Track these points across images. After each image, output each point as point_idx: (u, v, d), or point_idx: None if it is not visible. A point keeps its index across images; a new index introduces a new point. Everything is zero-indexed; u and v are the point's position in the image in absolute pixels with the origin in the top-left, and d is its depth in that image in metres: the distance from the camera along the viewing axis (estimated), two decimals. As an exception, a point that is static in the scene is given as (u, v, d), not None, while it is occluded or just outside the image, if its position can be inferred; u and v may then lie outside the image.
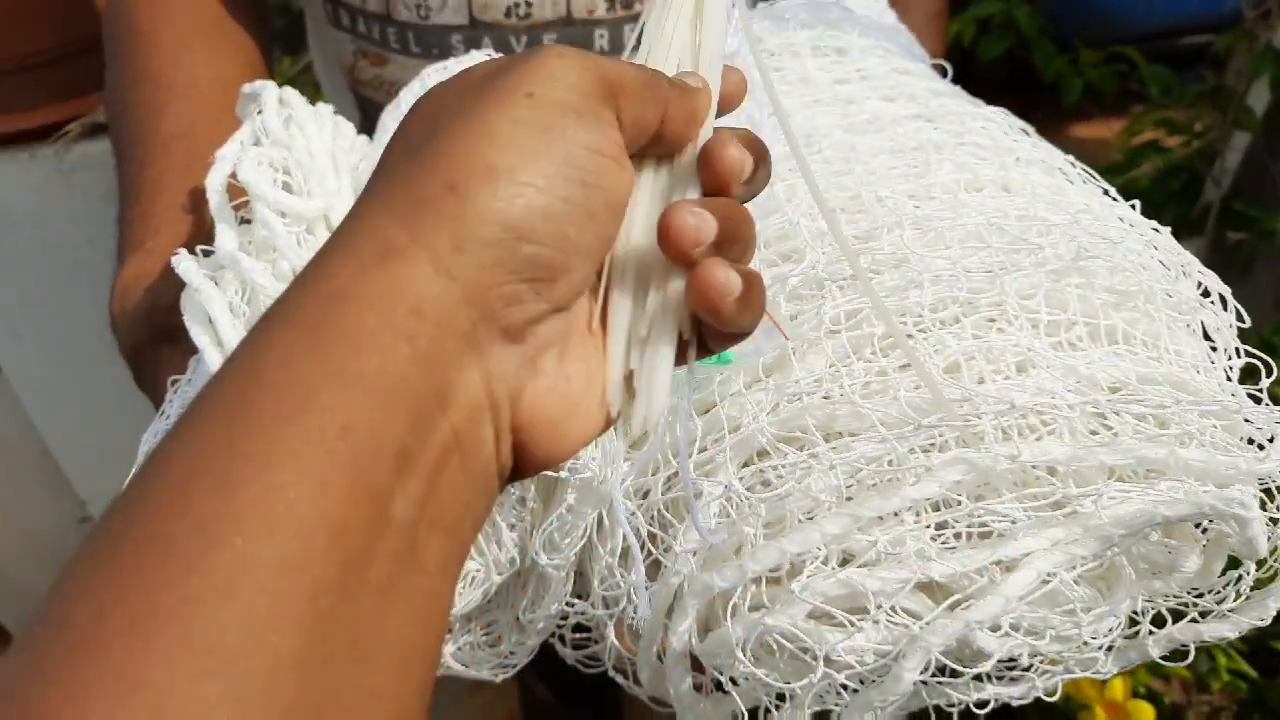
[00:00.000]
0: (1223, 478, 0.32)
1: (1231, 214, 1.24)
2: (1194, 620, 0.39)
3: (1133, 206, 0.39)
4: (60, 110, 1.02)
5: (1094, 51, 1.32)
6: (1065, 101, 1.31)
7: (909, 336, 0.33)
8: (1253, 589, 0.37)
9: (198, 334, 0.41)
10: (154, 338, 0.54)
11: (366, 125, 0.81)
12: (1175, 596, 0.38)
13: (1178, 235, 1.38)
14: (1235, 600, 0.37)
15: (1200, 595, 0.38)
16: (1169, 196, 1.29)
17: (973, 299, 0.33)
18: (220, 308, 0.41)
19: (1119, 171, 1.35)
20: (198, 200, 0.63)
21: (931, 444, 0.33)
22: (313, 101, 0.59)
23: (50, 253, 1.09)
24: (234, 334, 0.41)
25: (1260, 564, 0.36)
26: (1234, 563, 0.37)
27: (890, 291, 0.34)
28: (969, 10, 1.33)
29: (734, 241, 0.28)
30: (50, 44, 1.01)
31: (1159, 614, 0.39)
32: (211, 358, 0.40)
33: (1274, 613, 0.38)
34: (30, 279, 1.11)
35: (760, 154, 0.29)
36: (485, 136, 0.25)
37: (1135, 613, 0.38)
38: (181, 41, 0.70)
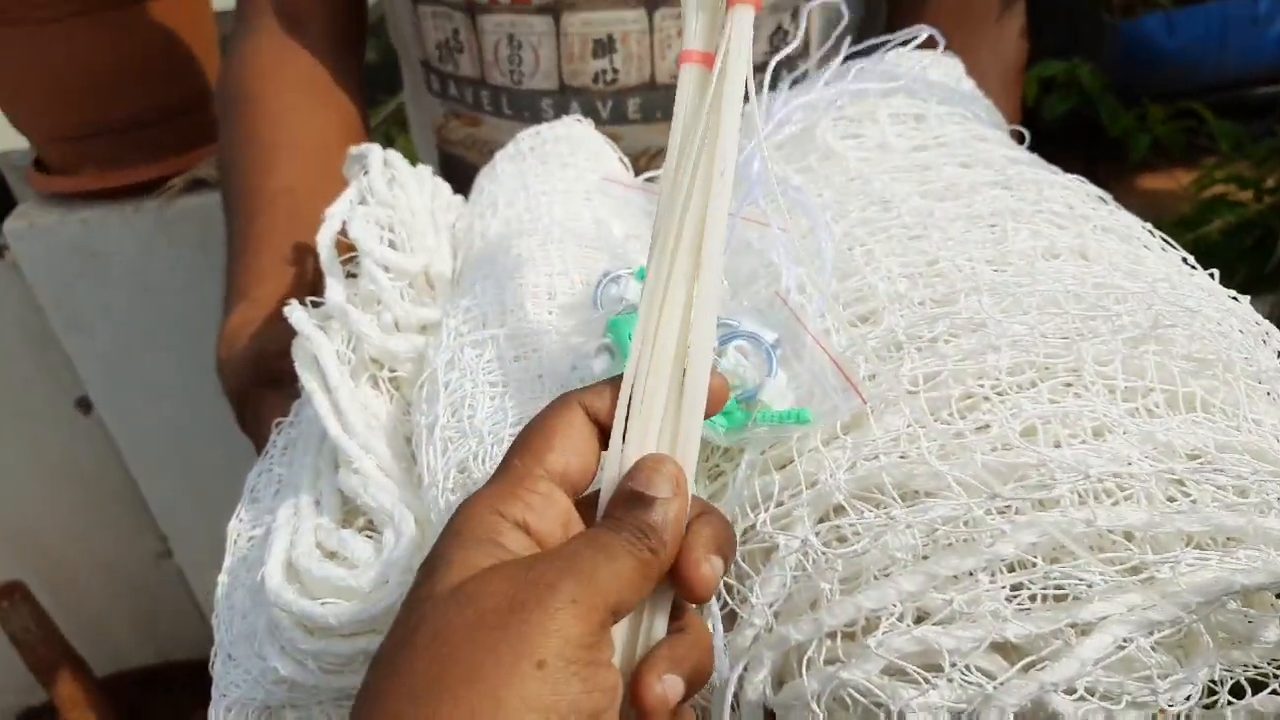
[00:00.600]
0: (1305, 549, 0.32)
1: None
2: (1275, 692, 0.38)
3: (1211, 275, 0.39)
4: (163, 166, 1.09)
5: (1161, 107, 1.30)
6: (1133, 157, 1.29)
7: (985, 399, 0.34)
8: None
9: (307, 378, 0.43)
10: (259, 381, 0.57)
11: (449, 179, 0.85)
12: (1255, 666, 0.37)
13: (1250, 292, 1.36)
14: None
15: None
16: (1241, 253, 1.27)
17: (1049, 364, 0.34)
18: (329, 355, 0.43)
19: (1190, 226, 1.33)
20: (300, 253, 0.66)
21: (1008, 505, 0.33)
22: (405, 151, 0.62)
23: (148, 297, 1.15)
24: (340, 379, 0.43)
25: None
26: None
27: (967, 355, 0.35)
28: (1032, 70, 1.33)
29: (696, 686, 0.30)
30: (156, 105, 1.08)
31: (1238, 684, 0.39)
32: (320, 401, 0.42)
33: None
34: (128, 322, 1.16)
35: (730, 547, 0.32)
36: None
37: (1213, 682, 0.38)
38: (288, 106, 0.74)
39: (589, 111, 0.74)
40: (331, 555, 0.38)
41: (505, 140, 0.77)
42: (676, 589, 0.31)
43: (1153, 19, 2.66)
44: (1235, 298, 0.41)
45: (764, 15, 0.72)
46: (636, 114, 0.74)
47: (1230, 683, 0.38)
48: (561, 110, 0.75)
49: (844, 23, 0.78)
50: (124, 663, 1.61)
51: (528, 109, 0.75)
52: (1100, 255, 0.38)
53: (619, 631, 0.30)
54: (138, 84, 1.05)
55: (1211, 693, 0.38)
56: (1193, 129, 1.31)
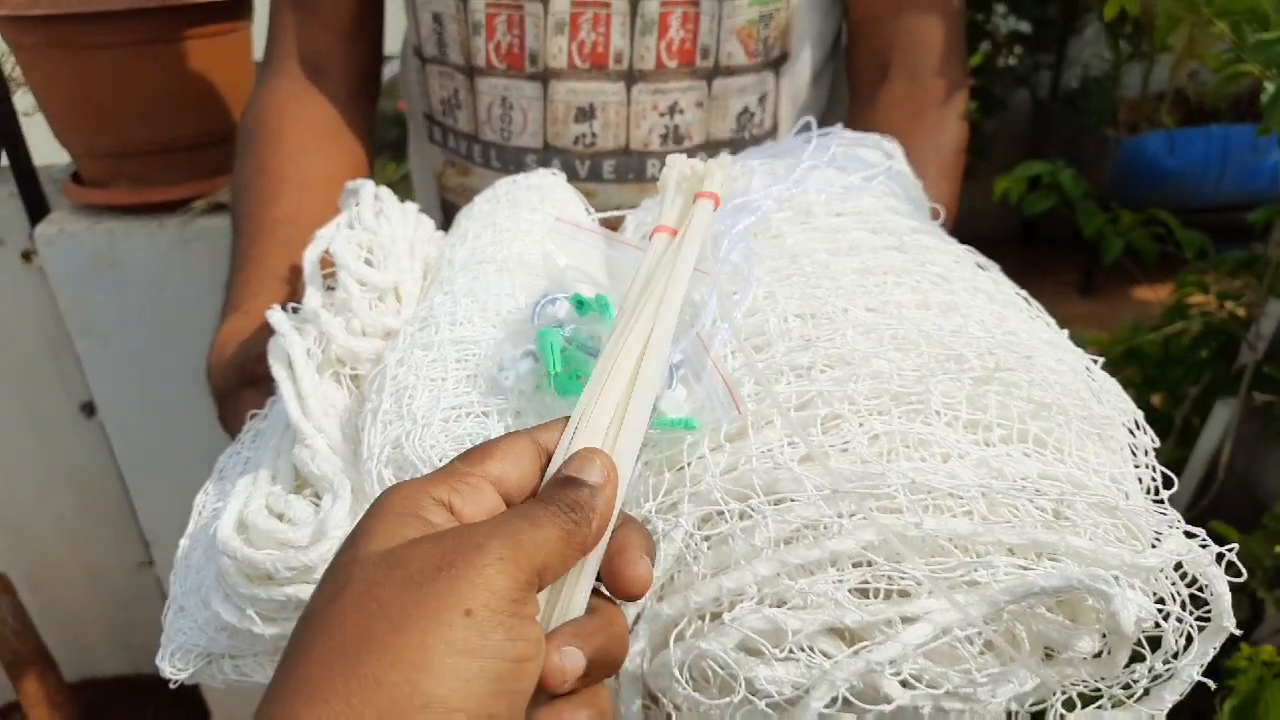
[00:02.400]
0: (1108, 566, 0.37)
1: (1263, 377, 1.25)
2: (1099, 708, 0.42)
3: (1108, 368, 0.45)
4: (189, 188, 1.16)
5: (1132, 214, 1.36)
6: (1105, 259, 1.34)
7: (846, 420, 0.39)
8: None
9: (277, 368, 0.48)
10: (242, 383, 0.62)
11: (446, 224, 0.91)
12: (1087, 684, 0.42)
13: (1214, 396, 1.40)
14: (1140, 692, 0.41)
15: (1110, 686, 0.42)
16: (1209, 358, 1.31)
17: (902, 394, 0.39)
18: (298, 350, 0.48)
19: (1160, 329, 1.38)
20: (294, 274, 0.71)
21: (856, 513, 0.38)
22: (402, 199, 0.67)
23: (162, 310, 1.20)
24: (305, 370, 0.48)
25: (1166, 662, 0.40)
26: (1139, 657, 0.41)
27: (834, 382, 0.40)
28: (1018, 169, 1.39)
29: (603, 667, 0.31)
30: (189, 133, 1.15)
31: (1070, 701, 0.43)
32: (285, 387, 0.47)
33: (1170, 705, 0.41)
34: (140, 331, 1.21)
35: (654, 556, 0.34)
36: (422, 667, 0.26)
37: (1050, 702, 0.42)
38: (300, 144, 0.80)
39: (568, 169, 0.80)
40: (279, 516, 0.42)
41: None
42: (611, 587, 0.32)
43: (1155, 137, 2.75)
44: (1090, 360, 0.46)
45: (731, 97, 0.79)
46: (611, 174, 0.80)
47: (1063, 697, 0.42)
48: (544, 166, 0.81)
49: (804, 102, 0.85)
50: (95, 669, 1.61)
51: (514, 163, 0.81)
52: (966, 311, 0.44)
53: (540, 601, 0.31)
54: (175, 112, 1.12)
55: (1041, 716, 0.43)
56: (1162, 236, 1.36)
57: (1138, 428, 0.44)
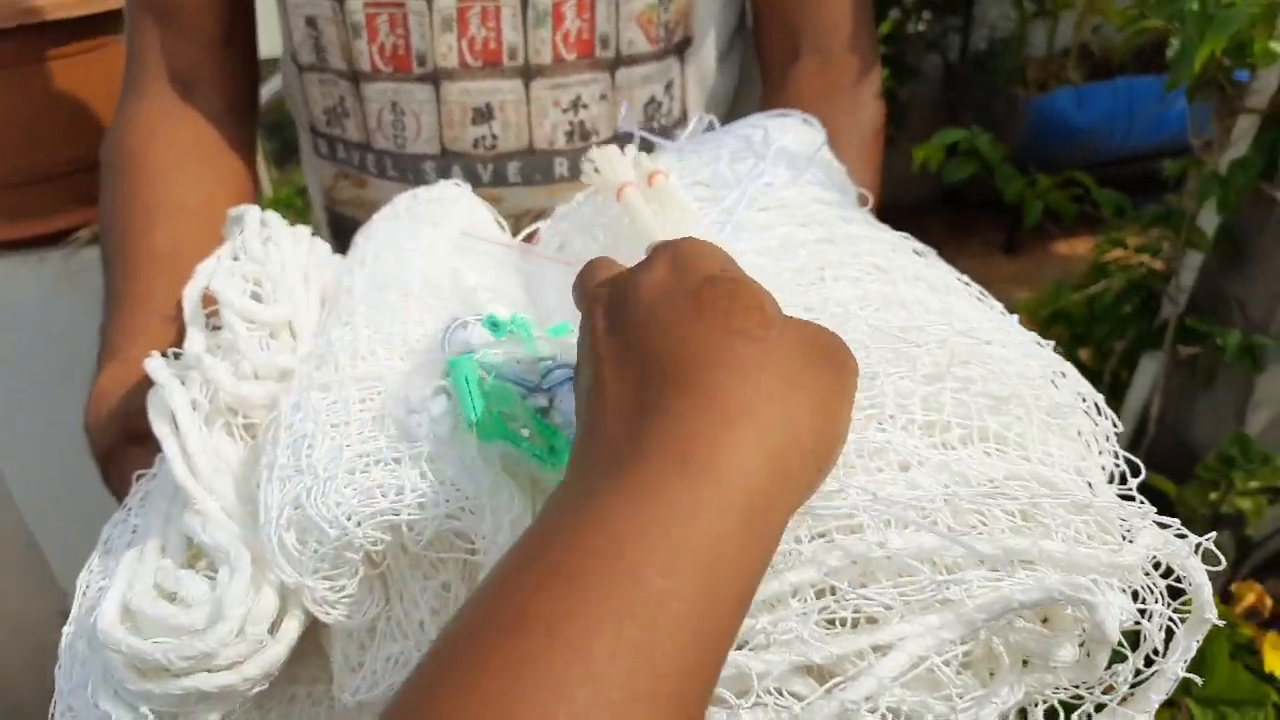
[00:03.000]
0: (1085, 569, 0.34)
1: (1186, 330, 1.27)
2: (1087, 714, 0.40)
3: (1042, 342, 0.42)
4: (69, 218, 1.09)
5: (1049, 176, 1.36)
6: (1026, 221, 1.35)
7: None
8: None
9: (158, 424, 0.43)
10: (125, 439, 0.56)
11: (338, 238, 0.85)
12: (1067, 690, 0.39)
13: (1139, 350, 1.40)
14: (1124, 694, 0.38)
15: (1092, 689, 0.39)
16: (1131, 313, 1.33)
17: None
18: (180, 401, 0.43)
19: (1083, 288, 1.39)
20: (177, 313, 0.65)
21: (820, 534, 0.35)
22: (299, 213, 0.62)
23: (51, 349, 1.12)
24: (190, 424, 0.42)
25: (1149, 660, 0.38)
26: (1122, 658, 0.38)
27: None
28: (935, 137, 1.38)
29: None
30: (64, 160, 1.08)
31: (1052, 707, 0.40)
32: (169, 446, 0.41)
33: (1156, 706, 0.38)
34: (30, 374, 1.14)
35: None
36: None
37: (1035, 705, 0.39)
38: (171, 164, 0.74)
39: (470, 174, 0.75)
40: (170, 597, 0.37)
41: (389, 199, 0.78)
42: None
43: (1063, 94, 2.78)
44: (1040, 342, 0.43)
45: (636, 87, 0.75)
46: (517, 177, 0.76)
47: (1044, 705, 0.39)
48: (444, 172, 0.76)
49: (713, 87, 0.81)
50: None
51: (411, 171, 0.76)
52: (909, 303, 0.41)
53: None
54: (47, 139, 1.05)
55: (1024, 714, 0.40)
56: (1080, 196, 1.37)
57: (1098, 412, 0.41)
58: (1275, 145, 1.14)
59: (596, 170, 0.53)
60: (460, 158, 0.75)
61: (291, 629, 0.36)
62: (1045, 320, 1.40)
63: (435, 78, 0.72)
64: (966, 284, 0.46)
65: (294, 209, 1.57)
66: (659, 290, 0.33)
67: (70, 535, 1.24)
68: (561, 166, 0.76)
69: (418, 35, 0.71)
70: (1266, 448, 1.15)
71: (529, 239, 0.60)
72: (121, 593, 0.37)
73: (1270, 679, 0.88)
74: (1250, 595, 1.05)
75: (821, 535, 0.34)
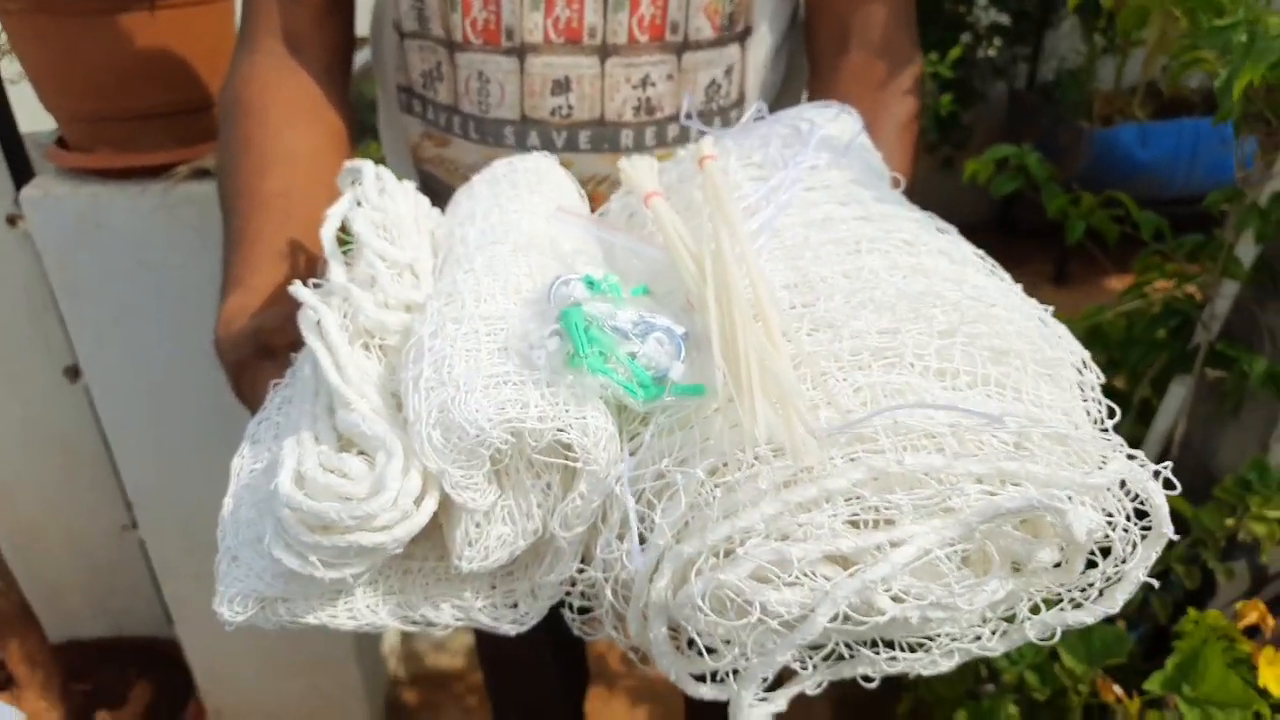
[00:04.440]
0: (1063, 488, 0.42)
1: (1217, 356, 1.27)
2: (1061, 610, 0.48)
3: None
4: (171, 154, 1.16)
5: (1092, 195, 1.36)
6: (1069, 239, 1.33)
7: (824, 374, 0.43)
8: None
9: (312, 339, 0.50)
10: (257, 355, 0.63)
11: (424, 193, 0.93)
12: (1051, 590, 0.47)
13: (1170, 374, 1.41)
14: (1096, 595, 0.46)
15: (1070, 590, 0.47)
16: (1165, 338, 1.33)
17: (880, 349, 0.44)
18: (331, 320, 0.51)
19: (1119, 308, 1.39)
20: (293, 248, 0.72)
21: (849, 455, 0.43)
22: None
23: (145, 273, 1.19)
24: (340, 340, 0.50)
25: (1116, 567, 0.45)
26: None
27: (820, 344, 0.44)
28: (987, 153, 1.39)
29: None
30: (171, 100, 1.16)
31: (1036, 606, 0.48)
32: (323, 356, 0.49)
33: (1120, 604, 0.47)
34: (125, 294, 1.21)
35: None
36: None
37: (1018, 605, 0.47)
38: (285, 119, 0.80)
39: (546, 140, 0.82)
40: (332, 471, 0.46)
41: (470, 159, 0.85)
42: None
43: (1127, 129, 2.77)
44: (1040, 306, 0.50)
45: (699, 70, 0.82)
46: (587, 145, 0.83)
47: (1030, 604, 0.47)
48: (521, 137, 0.83)
49: (767, 74, 0.88)
50: (77, 631, 1.62)
51: (492, 135, 0.83)
52: (931, 272, 0.48)
53: None
54: (158, 79, 1.12)
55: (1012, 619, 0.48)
56: (1122, 218, 1.35)
57: (1085, 366, 0.49)
58: (1317, 179, 1.14)
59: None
60: (537, 124, 0.82)
61: (430, 504, 0.45)
62: (1082, 338, 1.38)
63: (521, 51, 0.79)
64: (982, 258, 0.53)
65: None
66: None
67: (144, 453, 1.33)
68: (627, 138, 0.84)
69: (509, 12, 0.78)
70: (1289, 478, 1.14)
71: (598, 200, 0.67)
72: (293, 466, 0.46)
73: (1264, 694, 0.90)
74: (1253, 613, 1.07)
75: (850, 455, 0.42)
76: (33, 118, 1.20)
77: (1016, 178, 1.36)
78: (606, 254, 0.59)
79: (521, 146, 0.84)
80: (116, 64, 1.08)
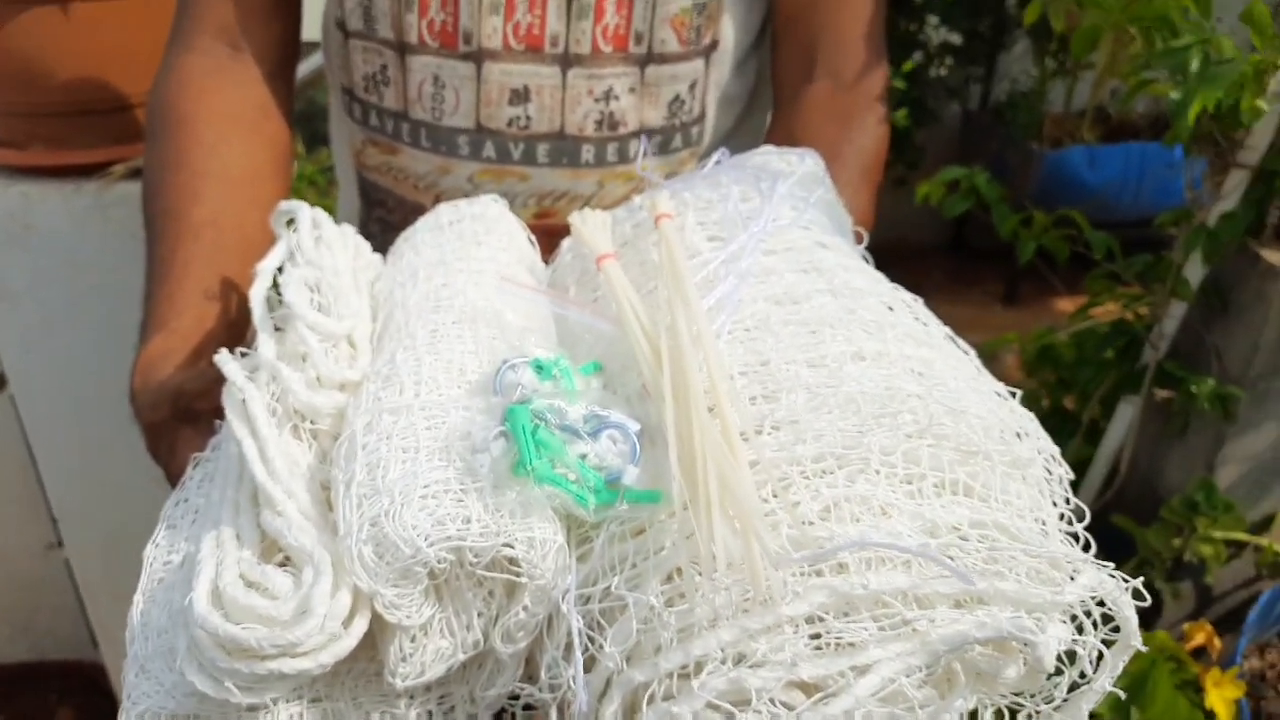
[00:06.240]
0: (1032, 606, 0.39)
1: (1164, 376, 1.27)
2: (1029, 716, 0.45)
3: (1012, 395, 0.46)
4: (107, 152, 1.10)
5: (1045, 214, 1.35)
6: (1021, 259, 1.34)
7: (794, 483, 0.40)
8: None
9: (237, 425, 0.46)
10: (176, 418, 0.58)
11: (366, 207, 0.87)
12: (1012, 696, 0.44)
13: (1119, 394, 1.42)
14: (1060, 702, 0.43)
15: (1033, 697, 0.44)
16: (1114, 358, 1.33)
17: (845, 454, 0.40)
18: (259, 405, 0.46)
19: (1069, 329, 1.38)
20: (224, 288, 0.67)
21: (811, 571, 0.39)
22: (322, 191, 0.64)
23: (77, 277, 1.13)
24: (268, 429, 0.46)
25: (1082, 675, 0.43)
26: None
27: (782, 446, 0.40)
28: (938, 175, 1.37)
29: None
30: (107, 96, 1.09)
31: (999, 710, 0.45)
32: (249, 448, 0.45)
33: (1085, 714, 0.44)
34: (54, 300, 1.14)
35: None
36: None
37: (981, 709, 0.44)
38: (220, 133, 0.74)
39: (502, 151, 0.77)
40: (253, 586, 0.41)
41: (420, 169, 0.80)
42: None
43: (1077, 152, 2.76)
44: (1010, 394, 0.47)
45: (663, 84, 0.77)
46: (545, 159, 0.78)
47: (991, 710, 0.44)
48: (476, 148, 0.77)
49: (731, 90, 0.83)
50: None
51: (445, 143, 0.78)
52: (896, 360, 0.45)
53: None
54: (94, 74, 1.06)
55: (975, 715, 0.45)
56: (1074, 237, 1.35)
57: (1054, 460, 0.45)
58: (1263, 201, 1.14)
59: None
60: (494, 135, 0.77)
61: (361, 624, 0.40)
62: (1033, 359, 1.38)
63: (478, 57, 0.74)
64: (952, 339, 0.50)
65: (317, 187, 1.60)
66: None
67: (70, 466, 1.24)
68: (588, 153, 0.78)
69: (466, 14, 0.72)
70: (1233, 500, 1.15)
71: (552, 234, 0.62)
72: (210, 579, 0.41)
73: (1211, 716, 0.90)
74: (1200, 635, 1.07)
75: (815, 570, 0.39)
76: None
77: (968, 198, 1.35)
78: (557, 320, 0.55)
79: (476, 157, 0.78)
80: (49, 57, 1.02)
